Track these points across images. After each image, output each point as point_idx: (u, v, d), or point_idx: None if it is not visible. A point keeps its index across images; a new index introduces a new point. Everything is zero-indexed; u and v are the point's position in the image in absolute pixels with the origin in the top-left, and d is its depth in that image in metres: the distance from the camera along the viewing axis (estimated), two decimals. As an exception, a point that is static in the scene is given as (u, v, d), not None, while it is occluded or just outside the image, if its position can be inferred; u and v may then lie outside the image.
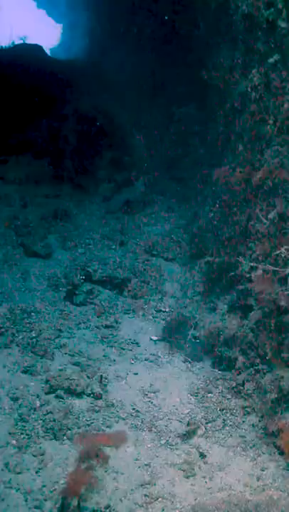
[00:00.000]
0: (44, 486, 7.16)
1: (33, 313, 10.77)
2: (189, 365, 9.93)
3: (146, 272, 12.35)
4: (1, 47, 25.13)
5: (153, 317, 11.23)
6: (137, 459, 7.72)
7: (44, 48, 24.80)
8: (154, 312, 11.36)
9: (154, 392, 9.15)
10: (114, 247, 13.27)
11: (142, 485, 7.28)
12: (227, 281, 10.32)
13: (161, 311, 11.37)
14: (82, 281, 11.67)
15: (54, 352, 9.86)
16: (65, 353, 9.89)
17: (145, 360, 10.01)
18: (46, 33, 25.79)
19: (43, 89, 18.89)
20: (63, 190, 15.43)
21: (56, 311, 11.04)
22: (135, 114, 17.45)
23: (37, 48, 24.36)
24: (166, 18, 16.19)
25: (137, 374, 9.60)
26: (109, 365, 9.73)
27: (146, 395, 9.08)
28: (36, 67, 20.38)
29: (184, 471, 7.55)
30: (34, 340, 10.01)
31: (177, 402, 8.97)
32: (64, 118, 16.80)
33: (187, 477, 7.48)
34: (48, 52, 25.11)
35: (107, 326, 10.79)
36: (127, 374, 9.55)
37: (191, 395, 9.13)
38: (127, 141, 16.37)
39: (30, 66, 20.07)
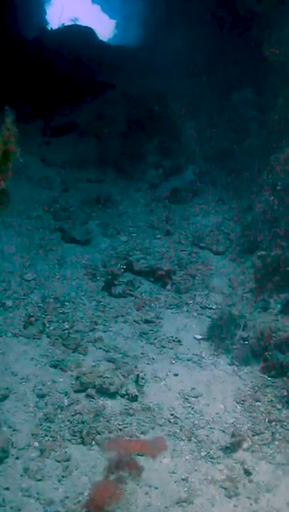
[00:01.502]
0: (67, 497, 6.49)
1: (67, 303, 10.18)
2: (236, 368, 9.09)
3: (193, 264, 11.66)
4: (51, 28, 24.97)
5: (198, 314, 10.44)
6: (173, 472, 6.98)
7: (95, 31, 24.48)
8: (200, 309, 10.57)
9: (195, 397, 8.37)
10: (159, 236, 12.62)
11: (177, 503, 6.54)
12: (282, 277, 9.51)
13: (207, 307, 10.57)
14: (122, 270, 11.09)
15: (87, 346, 9.20)
16: (100, 348, 9.22)
17: (187, 360, 9.23)
18: (100, 28, 25.75)
19: (90, 72, 18.60)
20: (108, 175, 15.01)
21: (92, 301, 10.42)
22: (187, 98, 17.04)
23: (88, 31, 24.04)
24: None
25: (177, 375, 8.82)
26: (147, 364, 9.00)
27: (187, 399, 8.30)
28: (86, 50, 20.16)
29: (225, 489, 6.78)
30: (66, 332, 9.40)
31: (221, 410, 8.16)
32: (112, 100, 16.19)
33: (229, 497, 6.71)
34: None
35: (147, 321, 10.08)
36: (167, 375, 8.80)
37: (237, 403, 8.31)
38: (177, 127, 15.86)
39: (78, 49, 19.83)
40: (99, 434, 7.39)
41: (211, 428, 7.75)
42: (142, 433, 7.53)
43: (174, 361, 9.16)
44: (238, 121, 14.64)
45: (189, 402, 8.23)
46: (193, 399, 8.30)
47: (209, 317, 10.25)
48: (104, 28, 32.79)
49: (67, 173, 14.89)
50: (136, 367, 8.79)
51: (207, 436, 7.59)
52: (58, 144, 15.89)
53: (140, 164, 15.09)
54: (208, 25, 17.77)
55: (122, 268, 11.13)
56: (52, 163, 15.16)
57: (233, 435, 7.53)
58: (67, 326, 9.52)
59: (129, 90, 16.53)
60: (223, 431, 7.69)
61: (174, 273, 11.26)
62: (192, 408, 8.13)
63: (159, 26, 24.20)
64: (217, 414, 8.06)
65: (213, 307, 10.52)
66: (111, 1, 35.00)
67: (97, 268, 11.29)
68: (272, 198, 10.50)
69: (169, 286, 11.10)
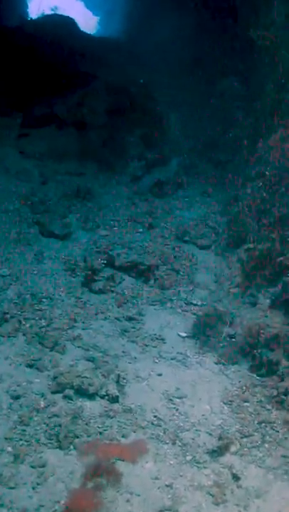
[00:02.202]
0: (42, 505, 6.09)
1: (44, 300, 9.80)
2: (223, 367, 8.72)
3: (177, 259, 11.32)
4: (31, 18, 24.64)
5: (182, 310, 10.08)
6: (156, 478, 6.59)
7: (76, 21, 24.19)
8: (184, 305, 10.21)
9: (180, 398, 7.98)
10: (141, 230, 12.29)
11: (161, 511, 6.17)
12: (271, 271, 9.21)
13: (192, 303, 10.21)
14: (102, 265, 10.72)
15: (65, 345, 8.79)
16: (79, 347, 8.81)
17: (171, 359, 8.85)
18: (83, 24, 25.71)
19: (72, 63, 18.27)
20: (88, 168, 14.68)
21: (71, 298, 10.04)
22: (172, 89, 16.91)
23: (69, 21, 23.72)
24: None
25: (160, 375, 8.44)
26: (129, 363, 8.61)
27: (171, 400, 7.92)
28: (66, 40, 19.86)
29: (213, 495, 6.42)
30: (43, 329, 9.01)
31: (207, 411, 7.79)
32: (93, 91, 15.81)
33: (217, 504, 6.33)
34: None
35: (128, 318, 9.71)
36: (150, 374, 8.41)
37: (224, 403, 7.94)
38: (161, 117, 15.47)
39: (59, 39, 19.53)
40: (77, 437, 7.01)
41: (196, 430, 7.38)
42: (123, 436, 7.15)
43: (157, 360, 8.78)
44: (224, 111, 14.37)
45: (173, 403, 7.85)
46: (177, 400, 7.93)
47: (194, 314, 9.88)
48: (87, 24, 32.69)
49: (47, 165, 14.52)
50: (117, 366, 8.40)
51: (193, 439, 7.22)
52: (37, 135, 15.45)
53: (122, 156, 14.75)
54: (192, 13, 17.53)
55: (103, 263, 10.77)
56: (30, 156, 14.79)
57: (220, 438, 7.17)
58: (44, 324, 9.14)
59: (112, 80, 16.12)
60: (210, 433, 7.33)
61: (157, 268, 10.92)
62: (176, 409, 7.75)
63: (142, 18, 24.09)
64: (203, 415, 7.69)
65: (199, 303, 10.16)
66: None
67: (76, 263, 10.93)
68: (259, 186, 10.13)
69: (151, 282, 10.74)
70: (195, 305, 10.15)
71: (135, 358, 8.77)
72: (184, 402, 7.89)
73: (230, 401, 7.96)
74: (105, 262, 10.82)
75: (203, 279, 10.88)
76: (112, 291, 10.37)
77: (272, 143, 9.12)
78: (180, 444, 7.13)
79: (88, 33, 25.78)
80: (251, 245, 10.05)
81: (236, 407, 7.85)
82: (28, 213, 12.36)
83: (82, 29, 24.62)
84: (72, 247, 11.55)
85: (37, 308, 9.51)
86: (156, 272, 10.85)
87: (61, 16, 23.98)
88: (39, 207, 12.52)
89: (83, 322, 9.44)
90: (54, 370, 8.13)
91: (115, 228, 12.26)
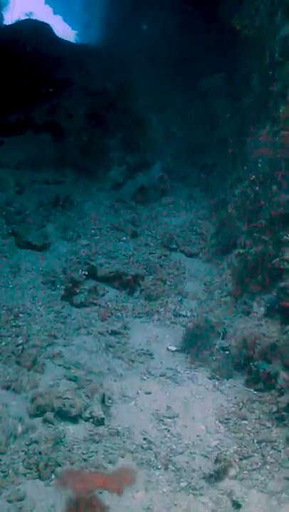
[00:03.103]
0: None
1: (21, 315, 9.36)
2: (217, 382, 8.20)
3: (163, 268, 10.97)
4: (4, 25, 24.25)
5: (171, 323, 9.64)
6: (148, 509, 6.05)
7: (52, 27, 23.80)
8: (173, 317, 9.78)
9: (171, 418, 7.45)
10: (124, 239, 11.94)
11: None
12: (265, 276, 8.70)
13: (181, 315, 9.78)
14: (84, 277, 10.34)
15: (45, 363, 8.30)
16: (59, 365, 8.32)
17: (161, 375, 8.33)
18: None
19: (48, 68, 17.88)
20: (67, 176, 14.32)
21: (51, 312, 9.60)
22: (155, 91, 16.54)
23: (44, 27, 23.29)
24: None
25: (149, 393, 7.91)
26: (115, 382, 8.09)
27: (162, 420, 7.39)
28: (42, 46, 19.50)
29: (211, 527, 5.82)
30: (20, 347, 8.49)
31: (202, 431, 7.25)
32: (70, 93, 15.39)
33: (216, 536, 5.74)
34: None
35: (113, 333, 9.25)
36: (138, 393, 7.89)
37: (220, 422, 7.41)
38: (142, 120, 15.02)
39: (35, 44, 19.15)
40: (59, 465, 6.47)
41: (191, 453, 6.84)
42: (109, 462, 6.62)
43: (145, 377, 8.29)
44: (208, 111, 14.01)
45: (165, 424, 7.32)
46: (169, 420, 7.41)
47: (184, 326, 9.47)
48: (67, 36, 32.63)
49: (23, 174, 14.11)
50: (101, 385, 7.86)
51: (187, 463, 6.69)
52: (12, 143, 15.04)
53: (102, 161, 14.44)
54: (173, 13, 17.26)
55: (84, 274, 10.41)
56: (5, 165, 14.27)
57: (217, 460, 6.61)
58: (21, 341, 8.64)
59: (90, 83, 15.73)
60: (206, 456, 6.79)
61: (142, 278, 10.54)
62: (168, 431, 7.22)
63: (121, 23, 23.96)
64: (198, 436, 7.16)
65: (188, 314, 9.77)
66: (72, 9, 35.00)
67: (56, 275, 10.55)
68: (248, 186, 9.69)
69: (137, 293, 10.38)
70: (184, 316, 9.73)
71: (121, 375, 8.27)
72: (176, 422, 7.37)
73: (227, 419, 7.45)
74: (87, 273, 10.43)
75: (192, 288, 10.47)
76: (95, 304, 9.95)
77: (261, 138, 8.66)
78: (173, 468, 6.60)
79: (66, 39, 25.39)
80: (242, 250, 9.62)
81: (233, 426, 7.33)
82: (4, 224, 11.92)
83: (58, 35, 24.19)
84: (51, 258, 11.14)
85: (13, 324, 9.05)
86: (141, 282, 10.45)
87: (36, 21, 23.54)
88: (15, 217, 12.11)
89: (64, 338, 8.98)
90: (32, 392, 7.59)
91: (97, 237, 11.88)
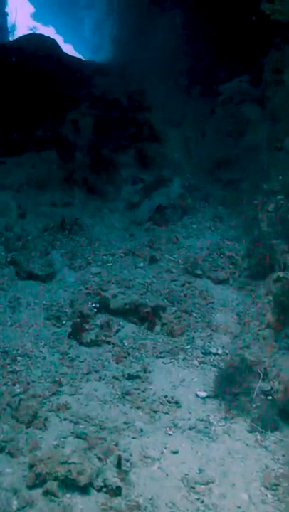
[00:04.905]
0: None
1: (20, 358, 8.24)
2: (259, 436, 7.01)
3: (188, 297, 9.85)
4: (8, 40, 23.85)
5: (199, 362, 8.49)
6: None
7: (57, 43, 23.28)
8: (201, 355, 8.64)
9: (205, 484, 6.24)
10: (141, 265, 10.86)
11: None
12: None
13: (211, 353, 8.66)
14: (95, 310, 9.27)
15: (48, 417, 7.12)
16: (65, 419, 7.13)
17: (190, 429, 7.13)
18: None
19: (54, 84, 17.27)
20: (76, 197, 13.50)
21: (55, 354, 8.47)
22: (169, 104, 16.06)
23: (51, 42, 22.74)
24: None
25: (177, 453, 6.70)
26: (134, 439, 6.88)
27: (194, 488, 6.19)
28: (49, 62, 19.01)
29: None
30: (18, 398, 7.32)
31: (244, 502, 6.04)
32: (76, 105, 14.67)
33: None
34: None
35: (130, 377, 8.09)
36: (162, 453, 6.68)
37: (267, 489, 6.21)
38: (157, 132, 14.41)
39: (41, 61, 18.67)
40: None
41: (232, 532, 5.61)
42: None
43: (170, 432, 7.07)
44: (231, 119, 13.04)
45: (197, 493, 6.13)
46: (202, 487, 6.20)
47: (215, 366, 8.36)
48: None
49: (26, 196, 13.25)
50: (117, 444, 6.70)
51: None
52: (14, 163, 14.24)
53: (114, 179, 13.68)
54: (182, 20, 16.64)
55: (95, 307, 9.34)
56: (7, 186, 13.46)
57: None
58: (19, 390, 7.51)
59: (100, 93, 15.05)
60: (251, 536, 5.55)
61: (163, 310, 9.46)
62: (202, 502, 6.02)
63: (130, 40, 23.73)
64: (239, 508, 5.96)
65: (220, 352, 8.67)
66: (81, 35, 35.27)
67: (61, 309, 9.47)
68: (284, 199, 8.69)
69: (158, 328, 9.27)
70: (215, 354, 8.63)
71: (141, 430, 7.07)
72: (211, 490, 6.17)
73: (275, 485, 6.25)
74: (98, 305, 9.38)
75: (222, 320, 9.39)
76: (108, 343, 8.84)
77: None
78: None
79: (75, 56, 25.03)
80: (281, 273, 8.68)
81: (283, 494, 6.12)
82: (2, 252, 10.98)
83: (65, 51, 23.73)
84: (56, 289, 10.10)
85: (10, 369, 7.95)
86: (162, 315, 9.38)
87: (42, 36, 23.01)
88: (15, 243, 11.16)
89: (71, 385, 7.84)
90: (31, 455, 6.43)
91: (109, 264, 10.84)
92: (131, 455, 6.55)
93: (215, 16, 13.95)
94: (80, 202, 13.23)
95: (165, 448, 6.74)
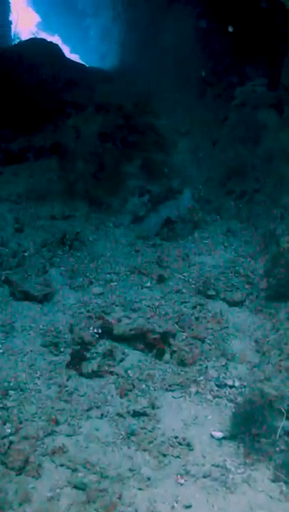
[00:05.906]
0: None
1: (12, 392, 7.48)
2: (285, 488, 6.21)
3: (200, 322, 9.13)
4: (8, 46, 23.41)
5: (213, 397, 7.69)
6: None
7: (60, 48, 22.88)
8: (216, 388, 7.85)
9: None
10: (148, 285, 10.17)
11: None
12: None
13: (226, 385, 7.89)
14: (96, 336, 8.52)
15: (41, 463, 6.39)
16: (61, 465, 6.39)
17: (204, 477, 6.34)
18: None
19: (58, 92, 16.82)
20: (78, 209, 12.97)
21: (52, 386, 7.72)
22: (178, 112, 15.55)
23: (53, 47, 22.30)
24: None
25: (190, 507, 5.93)
26: (140, 490, 6.13)
27: None
28: (51, 67, 18.55)
29: None
30: (7, 440, 6.58)
31: None
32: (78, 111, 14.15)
33: None
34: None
35: (136, 414, 7.32)
36: (173, 508, 5.90)
37: None
38: (165, 140, 13.99)
39: (43, 65, 18.22)
40: None
41: None
42: None
43: (182, 480, 6.30)
44: (246, 125, 12.31)
45: None
46: None
47: (231, 401, 7.58)
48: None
49: (24, 208, 12.71)
50: (120, 497, 5.95)
51: None
52: (12, 173, 13.74)
53: (119, 191, 13.09)
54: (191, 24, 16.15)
55: (97, 333, 8.59)
56: (4, 198, 12.98)
57: None
58: (9, 431, 6.77)
59: (103, 99, 14.50)
60: None
61: (173, 336, 8.73)
62: None
63: (138, 45, 23.39)
64: None
65: (237, 384, 7.90)
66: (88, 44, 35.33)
67: (60, 334, 8.77)
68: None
69: (167, 357, 8.54)
70: (231, 387, 7.86)
71: (149, 479, 6.31)
72: None
73: None
74: (100, 331, 8.63)
75: (239, 348, 8.65)
76: (111, 373, 8.10)
77: None
78: None
79: (78, 62, 24.55)
80: None
81: None
82: None
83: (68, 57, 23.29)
84: (54, 312, 9.42)
85: (0, 405, 7.21)
86: (172, 341, 8.65)
87: (43, 40, 22.55)
88: (10, 260, 10.51)
89: (69, 424, 7.08)
90: (22, 509, 5.72)
91: (113, 283, 10.19)
92: (137, 509, 5.82)
93: (231, 17, 13.39)
94: (82, 215, 12.72)
95: (176, 502, 5.97)
